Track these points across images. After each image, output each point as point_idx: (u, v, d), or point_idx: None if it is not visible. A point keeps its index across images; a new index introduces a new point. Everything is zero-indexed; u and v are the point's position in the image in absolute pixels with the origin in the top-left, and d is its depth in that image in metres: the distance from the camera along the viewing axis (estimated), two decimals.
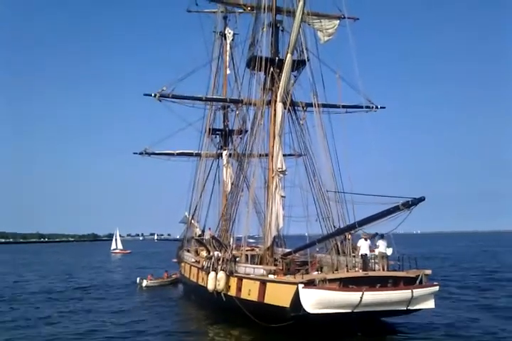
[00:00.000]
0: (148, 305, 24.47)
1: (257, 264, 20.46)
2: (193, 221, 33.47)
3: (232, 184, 26.02)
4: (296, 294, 14.22)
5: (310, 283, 14.30)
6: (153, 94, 22.87)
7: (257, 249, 24.46)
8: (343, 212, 20.46)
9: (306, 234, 21.61)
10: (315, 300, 14.01)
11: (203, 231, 31.01)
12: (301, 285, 14.15)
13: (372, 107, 24.57)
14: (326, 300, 13.97)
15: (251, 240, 26.46)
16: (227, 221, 24.48)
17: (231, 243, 24.89)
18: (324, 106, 22.46)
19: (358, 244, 16.44)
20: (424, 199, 13.67)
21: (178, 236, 46.65)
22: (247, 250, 23.85)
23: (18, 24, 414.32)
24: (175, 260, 35.97)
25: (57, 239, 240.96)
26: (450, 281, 30.93)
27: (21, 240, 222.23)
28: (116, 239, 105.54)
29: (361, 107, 24.19)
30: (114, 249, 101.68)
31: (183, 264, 30.81)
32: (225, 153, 31.78)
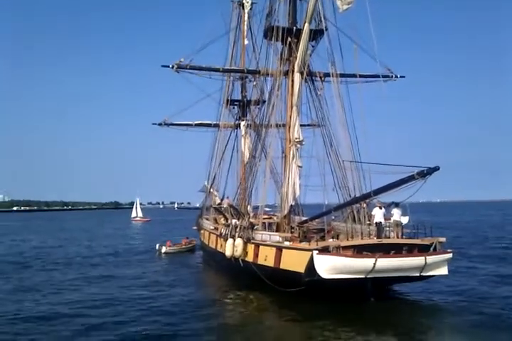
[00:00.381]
0: (169, 271, 25.20)
1: (274, 232, 21.12)
2: (212, 190, 34.14)
3: (250, 154, 26.34)
4: (311, 260, 14.77)
5: (324, 250, 14.82)
6: (170, 66, 23.08)
7: (275, 217, 25.07)
8: (359, 181, 20.76)
9: (324, 203, 22.10)
10: (329, 266, 14.56)
11: (222, 200, 31.68)
12: (315, 252, 14.69)
13: (392, 76, 24.51)
14: (339, 266, 14.51)
15: (267, 209, 27.01)
16: (245, 190, 24.99)
17: (249, 211, 25.71)
18: (342, 75, 22.45)
19: (373, 213, 16.81)
20: (438, 169, 13.92)
21: (197, 205, 47.72)
22: (264, 218, 24.64)
23: None
24: (195, 227, 36.98)
25: (80, 207, 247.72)
26: (466, 249, 31.37)
27: (45, 208, 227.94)
28: (136, 208, 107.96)
29: (380, 76, 24.04)
30: (134, 217, 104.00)
31: (202, 231, 31.74)
32: (243, 123, 32.05)
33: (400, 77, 24.38)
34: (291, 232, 20.65)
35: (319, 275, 14.60)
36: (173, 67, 23.12)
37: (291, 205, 22.19)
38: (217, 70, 23.72)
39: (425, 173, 13.98)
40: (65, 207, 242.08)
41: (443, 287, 18.40)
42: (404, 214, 18.13)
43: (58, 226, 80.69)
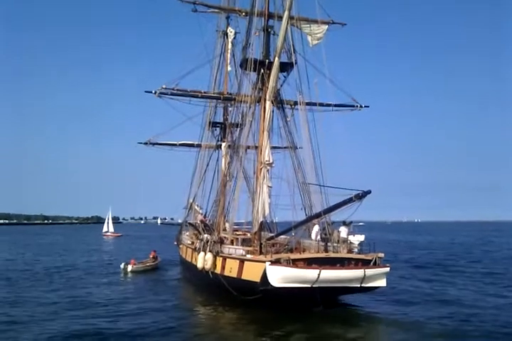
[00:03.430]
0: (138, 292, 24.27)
1: (248, 247, 22.89)
2: (196, 207, 35.90)
3: (223, 173, 28.26)
4: (264, 270, 16.62)
5: (276, 262, 16.67)
6: (153, 92, 25.18)
7: (249, 234, 26.88)
8: (322, 201, 22.67)
9: (293, 221, 23.92)
10: (279, 276, 16.40)
11: (205, 216, 33.42)
12: (267, 263, 16.58)
13: (357, 106, 26.60)
14: (288, 275, 16.35)
15: (245, 226, 28.82)
16: (218, 207, 26.84)
17: (227, 227, 27.56)
18: (309, 104, 24.50)
19: (314, 230, 18.76)
20: (370, 192, 16.04)
21: (179, 221, 49.32)
22: (239, 234, 26.55)
23: None
24: (175, 243, 38.59)
25: (61, 221, 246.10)
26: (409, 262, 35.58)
27: (25, 221, 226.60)
28: (108, 223, 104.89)
29: (346, 106, 26.26)
30: (105, 232, 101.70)
31: (181, 246, 33.39)
32: (224, 144, 34.00)
33: (365, 106, 26.45)
34: (260, 247, 22.45)
35: (271, 284, 16.42)
36: (155, 92, 25.20)
37: (261, 222, 24.01)
38: (196, 96, 25.81)
39: (360, 196, 16.06)
40: (46, 221, 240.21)
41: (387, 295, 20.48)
42: (361, 232, 20.26)
43: (28, 240, 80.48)
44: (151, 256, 35.85)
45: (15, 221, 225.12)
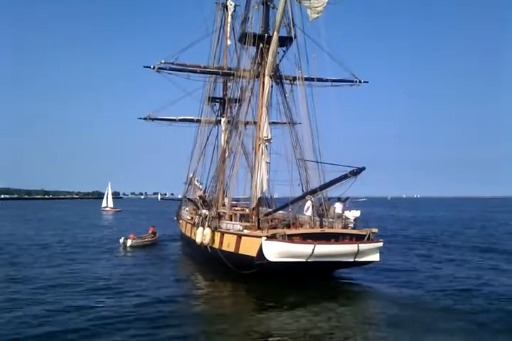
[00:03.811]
0: (139, 265, 24.42)
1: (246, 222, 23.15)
2: (196, 182, 36.08)
3: (223, 149, 28.31)
4: (261, 245, 16.89)
5: (272, 237, 16.92)
6: (152, 67, 24.97)
7: (247, 209, 27.14)
8: (319, 177, 22.80)
9: (290, 197, 24.14)
10: (275, 251, 16.69)
11: (205, 192, 33.65)
12: (264, 238, 16.83)
13: (356, 81, 26.37)
14: (283, 250, 16.63)
15: (243, 202, 29.09)
16: (217, 182, 27.02)
17: (226, 202, 27.80)
18: (307, 79, 24.28)
19: (306, 205, 18.93)
20: (364, 169, 16.21)
21: (179, 196, 49.68)
22: (237, 210, 26.78)
23: None
24: (175, 218, 38.97)
25: (62, 196, 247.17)
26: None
27: (25, 196, 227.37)
28: (107, 197, 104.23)
29: (345, 81, 26.07)
30: (104, 207, 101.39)
31: (181, 221, 33.75)
32: (223, 119, 33.89)
33: (364, 82, 26.22)
34: (258, 223, 22.71)
35: (267, 259, 16.71)
36: (154, 67, 25.00)
37: (259, 198, 24.20)
38: (194, 71, 25.56)
39: (355, 172, 16.18)
40: (46, 196, 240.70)
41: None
42: (356, 208, 20.47)
43: (27, 215, 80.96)
44: (149, 232, 35.84)
45: (15, 196, 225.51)
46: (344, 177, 16.56)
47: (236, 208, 28.10)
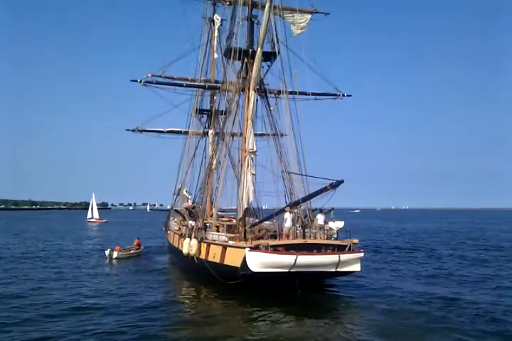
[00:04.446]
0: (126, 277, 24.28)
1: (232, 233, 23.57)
2: (185, 193, 36.49)
3: (210, 162, 28.80)
4: (244, 256, 17.32)
5: (255, 248, 17.37)
6: (138, 80, 25.50)
7: (234, 220, 27.57)
8: (304, 189, 23.33)
9: (276, 208, 24.64)
10: (258, 261, 17.14)
11: (193, 203, 34.03)
12: (247, 249, 17.28)
13: (339, 95, 27.07)
14: (266, 261, 17.08)
15: (222, 213, 29.62)
16: (203, 193, 27.49)
17: (214, 213, 28.24)
18: (292, 93, 24.96)
19: (284, 217, 19.45)
20: (343, 182, 16.78)
21: (168, 207, 49.97)
22: (225, 220, 27.22)
23: None
24: (163, 228, 39.28)
25: (49, 207, 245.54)
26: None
27: (12, 207, 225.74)
28: (92, 208, 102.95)
29: (328, 95, 26.76)
30: (90, 218, 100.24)
31: (169, 232, 34.08)
32: (210, 131, 34.44)
33: (347, 95, 26.93)
34: (244, 234, 23.12)
35: (250, 269, 17.14)
36: (140, 81, 25.52)
37: (245, 209, 24.66)
38: (180, 85, 26.16)
39: (334, 185, 16.80)
40: (34, 207, 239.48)
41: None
42: (340, 219, 21.06)
43: (12, 226, 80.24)
44: (135, 243, 35.69)
45: (2, 206, 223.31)
46: (324, 189, 17.17)
47: (223, 219, 28.57)
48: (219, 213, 30.15)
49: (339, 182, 16.80)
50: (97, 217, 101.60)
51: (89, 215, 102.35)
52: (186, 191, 36.28)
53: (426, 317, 15.00)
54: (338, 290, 19.81)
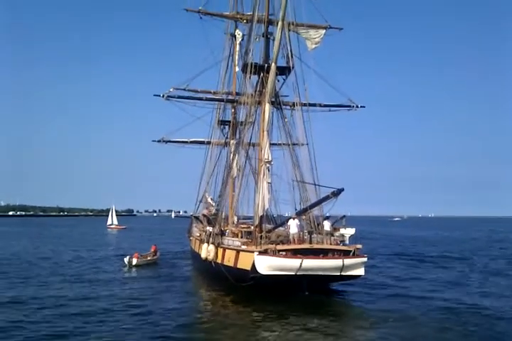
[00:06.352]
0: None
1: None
2: (210, 200, 38.00)
3: (228, 171, 30.11)
4: (254, 260, 18.54)
5: (264, 252, 18.57)
6: (161, 95, 27.17)
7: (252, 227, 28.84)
8: (317, 197, 24.38)
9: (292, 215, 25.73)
10: (266, 264, 18.36)
11: (217, 210, 35.42)
12: (256, 253, 18.51)
13: (353, 106, 28.08)
14: (274, 264, 18.27)
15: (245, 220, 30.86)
16: (221, 201, 28.84)
17: (234, 220, 29.64)
18: (306, 105, 26.12)
19: (288, 223, 20.51)
20: (343, 190, 17.85)
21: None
22: (244, 227, 28.49)
23: None
24: (187, 235, 40.77)
25: (76, 213, 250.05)
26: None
27: (41, 213, 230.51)
28: (112, 215, 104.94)
29: (342, 106, 27.83)
30: (109, 225, 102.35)
31: (191, 238, 35.53)
32: (232, 141, 35.88)
33: (361, 106, 27.91)
34: (257, 239, 24.31)
35: (258, 272, 18.34)
36: (163, 96, 27.19)
37: (261, 216, 25.85)
38: (200, 99, 27.72)
39: (335, 193, 17.89)
40: (61, 213, 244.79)
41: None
42: (351, 226, 22.15)
43: (36, 232, 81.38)
44: (152, 250, 35.86)
45: (31, 213, 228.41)
46: (327, 197, 18.28)
47: (242, 226, 29.78)
48: (242, 220, 31.55)
49: (340, 191, 17.90)
50: (116, 223, 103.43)
51: (109, 222, 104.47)
52: (211, 199, 37.79)
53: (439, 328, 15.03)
54: (348, 294, 20.66)
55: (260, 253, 18.52)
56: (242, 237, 25.03)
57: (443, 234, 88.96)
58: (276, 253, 18.39)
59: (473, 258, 38.41)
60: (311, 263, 18.01)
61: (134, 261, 31.52)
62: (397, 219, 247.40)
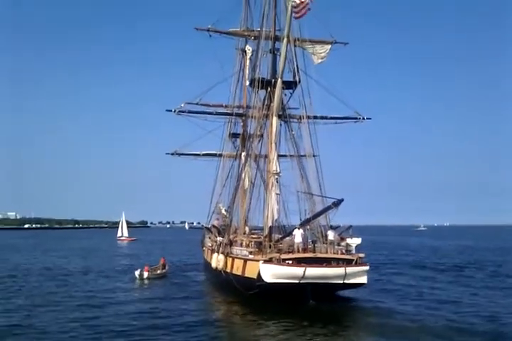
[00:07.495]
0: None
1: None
2: (224, 212, 38.82)
3: (237, 181, 30.90)
4: (259, 268, 19.19)
5: (269, 261, 19.23)
6: (173, 110, 28.26)
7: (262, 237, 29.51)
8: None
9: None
10: (270, 273, 19.00)
11: (231, 221, 36.19)
12: (261, 262, 19.19)
13: (359, 118, 28.72)
14: (278, 272, 18.94)
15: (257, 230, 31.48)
16: (231, 212, 29.60)
17: (246, 230, 30.37)
18: (314, 118, 26.87)
19: (293, 233, 21.11)
20: (343, 200, 18.46)
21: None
22: (254, 237, 29.14)
23: None
24: (201, 245, 41.53)
25: (91, 225, 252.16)
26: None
27: (56, 226, 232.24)
28: (122, 227, 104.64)
29: (349, 118, 28.50)
30: (119, 237, 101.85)
31: (204, 248, 36.29)
32: (243, 154, 36.72)
33: (367, 118, 28.55)
34: (265, 248, 24.93)
35: (264, 280, 18.98)
36: (174, 111, 28.28)
37: (270, 227, 26.51)
38: (210, 113, 28.73)
39: (336, 203, 18.54)
40: (76, 226, 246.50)
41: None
42: (357, 236, 22.69)
43: (48, 244, 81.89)
44: (161, 263, 35.35)
45: (46, 225, 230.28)
46: (328, 208, 18.94)
47: (253, 236, 30.43)
48: (254, 231, 32.21)
49: (340, 201, 18.57)
50: (127, 235, 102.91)
51: (119, 233, 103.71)
52: (226, 210, 38.60)
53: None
54: (353, 301, 21.13)
55: (265, 261, 19.20)
56: (251, 247, 25.69)
57: (482, 243, 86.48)
58: (280, 261, 19.03)
59: None
60: (314, 272, 18.59)
61: (145, 275, 31.32)
62: (422, 228, 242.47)
